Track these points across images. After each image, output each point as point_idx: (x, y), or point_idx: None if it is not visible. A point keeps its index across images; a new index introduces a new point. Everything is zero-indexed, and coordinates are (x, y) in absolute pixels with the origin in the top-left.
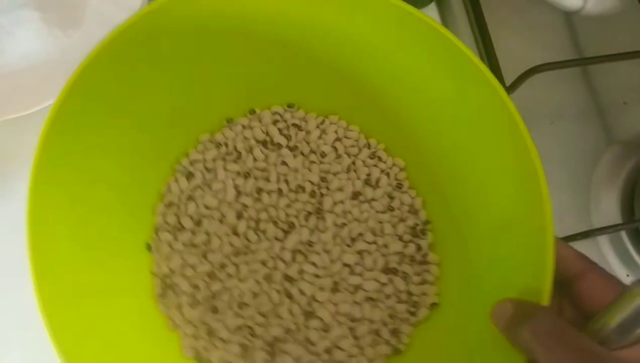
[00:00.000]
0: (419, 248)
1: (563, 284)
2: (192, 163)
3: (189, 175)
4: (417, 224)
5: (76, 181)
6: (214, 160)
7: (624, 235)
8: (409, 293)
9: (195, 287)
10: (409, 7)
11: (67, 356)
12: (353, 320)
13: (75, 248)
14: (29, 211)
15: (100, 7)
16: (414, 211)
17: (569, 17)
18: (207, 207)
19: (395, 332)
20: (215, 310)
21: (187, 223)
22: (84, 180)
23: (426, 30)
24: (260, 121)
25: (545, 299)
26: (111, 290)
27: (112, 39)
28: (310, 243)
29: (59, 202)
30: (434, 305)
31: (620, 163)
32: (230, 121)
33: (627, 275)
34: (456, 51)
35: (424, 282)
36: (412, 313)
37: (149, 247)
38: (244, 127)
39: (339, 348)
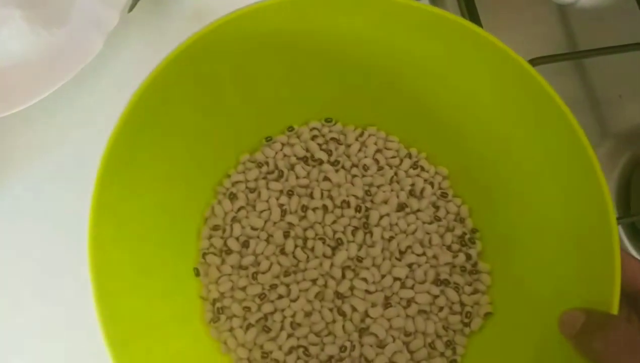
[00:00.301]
0: (468, 257)
1: (630, 296)
2: (234, 184)
3: (232, 197)
4: (464, 233)
5: (128, 208)
6: (256, 180)
7: (620, 230)
8: (462, 304)
9: (247, 309)
10: (444, 12)
11: None
12: (407, 334)
13: (129, 277)
14: (91, 242)
15: (85, 5)
16: (460, 220)
17: (563, 10)
18: (252, 228)
19: (449, 344)
20: (268, 331)
21: (234, 245)
22: (134, 206)
23: (466, 34)
24: (299, 138)
25: (614, 310)
26: (164, 316)
27: (162, 67)
28: (359, 259)
29: (115, 232)
30: (487, 315)
31: (615, 157)
32: (269, 139)
33: None
34: (500, 53)
35: (476, 292)
36: (466, 324)
37: (197, 272)
38: (283, 144)
39: None
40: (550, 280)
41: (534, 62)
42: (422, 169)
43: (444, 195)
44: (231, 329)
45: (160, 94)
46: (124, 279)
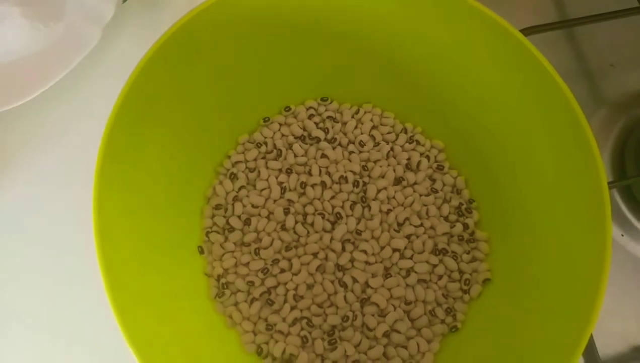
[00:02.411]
0: (466, 226)
1: None
2: (234, 164)
3: (233, 177)
4: (461, 203)
5: (131, 190)
6: (255, 159)
7: (616, 194)
8: (461, 272)
9: (250, 283)
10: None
11: (141, 354)
12: (407, 302)
13: (134, 255)
14: (96, 223)
15: None
16: (457, 191)
17: None
18: (253, 206)
19: (450, 311)
20: (271, 304)
21: (236, 223)
22: (137, 188)
23: (459, 6)
24: (296, 117)
25: (605, 274)
26: (171, 293)
27: (158, 46)
28: (358, 232)
29: (119, 212)
30: (486, 281)
31: (609, 124)
32: (266, 120)
33: (622, 235)
34: (492, 23)
35: (474, 260)
36: (465, 291)
37: (200, 250)
38: (280, 124)
39: (397, 331)
40: (545, 246)
41: (525, 32)
42: (418, 143)
43: (440, 167)
44: (236, 303)
45: (158, 74)
46: (130, 259)
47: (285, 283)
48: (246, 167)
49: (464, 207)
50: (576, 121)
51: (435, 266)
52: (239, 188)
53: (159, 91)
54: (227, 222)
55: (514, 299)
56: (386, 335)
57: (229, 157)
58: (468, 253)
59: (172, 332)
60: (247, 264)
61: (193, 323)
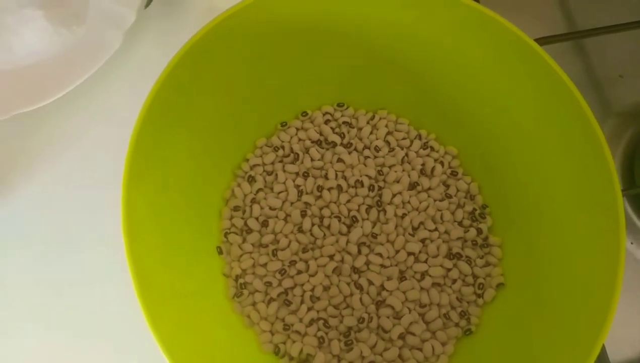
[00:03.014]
0: (479, 232)
1: None
2: (252, 168)
3: (251, 180)
4: (475, 209)
5: (155, 191)
6: (272, 163)
7: (626, 203)
8: (474, 276)
9: (268, 284)
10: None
11: (168, 349)
12: (422, 306)
13: (159, 255)
14: (125, 225)
15: (102, 4)
16: (470, 197)
17: None
18: (271, 208)
19: (464, 314)
20: (289, 305)
21: (254, 225)
22: (160, 192)
23: (474, 15)
24: (312, 122)
25: (619, 280)
26: (191, 292)
27: (183, 53)
28: (374, 235)
29: (144, 213)
30: (500, 286)
31: (618, 134)
32: (284, 125)
33: (632, 243)
34: (507, 33)
35: (487, 264)
36: (479, 295)
37: (219, 251)
38: (297, 129)
39: (412, 333)
40: (558, 251)
41: (536, 42)
42: (432, 149)
43: (454, 173)
44: (254, 303)
45: (181, 81)
46: (155, 259)
47: (302, 285)
48: (264, 170)
49: (477, 212)
50: (590, 130)
51: (449, 270)
52: (257, 191)
53: (181, 97)
54: (245, 224)
55: (528, 304)
56: (401, 337)
57: (247, 160)
58: (482, 257)
59: (193, 330)
60: (264, 265)
61: (212, 321)
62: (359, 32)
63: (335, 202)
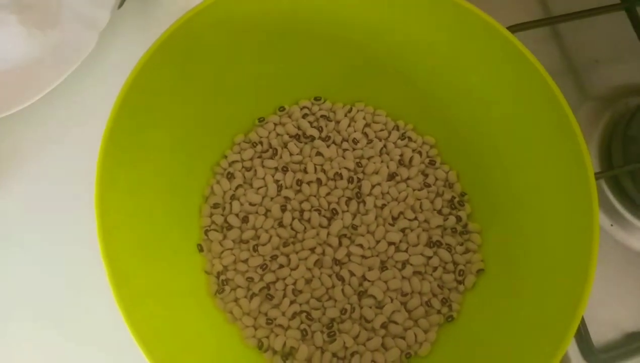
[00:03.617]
0: (458, 219)
1: None
2: (230, 164)
3: (230, 176)
4: (453, 197)
5: (130, 189)
6: (251, 159)
7: (604, 186)
8: (455, 263)
9: (250, 279)
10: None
11: (147, 347)
12: (404, 294)
13: (136, 253)
14: (99, 222)
15: (75, 6)
16: (449, 185)
17: None
18: (251, 204)
19: (445, 301)
20: (271, 299)
21: (234, 221)
22: (136, 190)
23: (447, 4)
24: (290, 117)
25: (593, 262)
26: (172, 290)
27: (155, 48)
28: (354, 227)
29: (120, 210)
30: (480, 272)
31: (595, 118)
32: (261, 120)
33: (611, 225)
34: (487, 26)
35: (467, 251)
36: (460, 282)
37: (200, 248)
38: (275, 124)
39: (394, 322)
40: (536, 235)
41: (511, 29)
42: (410, 139)
43: (432, 162)
44: (236, 299)
45: (155, 76)
46: (132, 257)
47: (284, 279)
48: (242, 166)
49: (456, 200)
50: (562, 114)
51: (430, 258)
52: (236, 187)
53: (156, 93)
54: (226, 221)
55: (508, 288)
56: (384, 326)
57: (226, 156)
58: (461, 245)
59: (174, 328)
60: (246, 261)
61: (194, 319)
62: (334, 27)
63: (315, 196)
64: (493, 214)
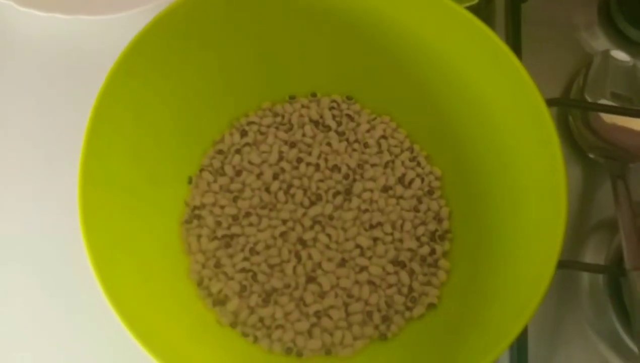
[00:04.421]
0: (433, 251)
1: None
2: (248, 123)
3: (243, 133)
4: (437, 230)
5: (142, 115)
6: (268, 126)
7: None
8: (410, 289)
9: (218, 224)
10: (483, 26)
11: (94, 256)
12: (350, 296)
13: (129, 162)
14: (88, 128)
15: None
16: (438, 219)
17: None
18: (250, 162)
19: (386, 319)
20: (228, 247)
21: (229, 170)
22: (149, 118)
23: (491, 48)
24: (318, 105)
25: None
26: (149, 204)
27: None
28: (331, 218)
29: (121, 124)
30: (431, 306)
31: None
32: (292, 98)
33: None
34: (515, 71)
35: (428, 284)
36: (409, 308)
37: (190, 180)
38: (303, 106)
39: (329, 316)
40: (503, 294)
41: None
42: (419, 164)
43: (430, 192)
44: (199, 236)
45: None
46: (118, 162)
47: (248, 236)
48: (258, 130)
49: (438, 233)
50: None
51: (389, 274)
52: (244, 144)
53: (192, 40)
54: (222, 167)
55: (454, 331)
56: (317, 315)
57: (247, 116)
58: (425, 275)
59: (134, 238)
60: (222, 207)
61: (156, 238)
62: (378, 30)
63: (308, 177)
64: (471, 263)
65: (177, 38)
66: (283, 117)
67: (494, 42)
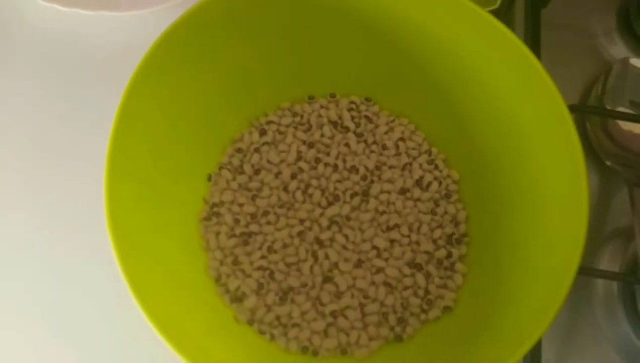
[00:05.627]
0: (449, 255)
1: None
2: (268, 123)
3: (262, 132)
4: (454, 233)
5: (165, 111)
6: (287, 126)
7: None
8: (427, 291)
9: (237, 221)
10: (506, 30)
11: (119, 249)
12: (366, 297)
13: (151, 158)
14: (115, 123)
15: None
16: (455, 222)
17: None
18: (268, 161)
19: (401, 321)
20: (246, 245)
21: (248, 169)
22: (172, 114)
23: (513, 52)
24: (337, 105)
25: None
26: (170, 200)
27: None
28: (348, 218)
29: (146, 120)
30: (447, 309)
31: None
32: (311, 98)
33: None
34: (538, 76)
35: (444, 287)
36: (424, 311)
37: (209, 178)
38: (322, 106)
39: (345, 316)
40: (521, 297)
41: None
42: (437, 167)
43: (447, 195)
44: (217, 233)
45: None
46: (142, 160)
47: (266, 234)
48: (277, 129)
49: (455, 237)
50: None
51: (405, 276)
52: (263, 143)
53: (211, 39)
54: (241, 166)
55: (472, 335)
56: (334, 315)
57: (267, 115)
58: (442, 278)
59: (155, 233)
60: (241, 205)
61: (176, 233)
62: (398, 30)
63: (326, 178)
64: (489, 266)
65: (201, 37)
66: (302, 117)
67: (516, 46)
